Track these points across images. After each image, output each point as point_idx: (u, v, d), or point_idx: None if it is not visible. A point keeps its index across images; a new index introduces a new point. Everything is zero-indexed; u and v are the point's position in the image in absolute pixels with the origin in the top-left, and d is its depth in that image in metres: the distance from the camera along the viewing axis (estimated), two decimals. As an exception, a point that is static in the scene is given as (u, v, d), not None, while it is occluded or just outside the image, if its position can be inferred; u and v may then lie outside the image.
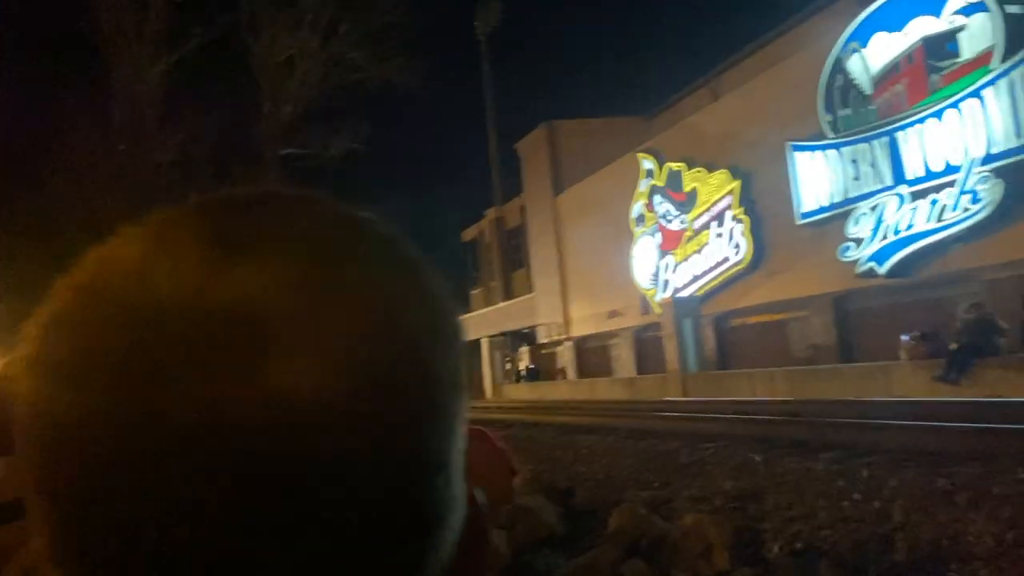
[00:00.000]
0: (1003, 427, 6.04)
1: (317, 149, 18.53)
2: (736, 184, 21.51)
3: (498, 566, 6.40)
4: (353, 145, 18.92)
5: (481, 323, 39.93)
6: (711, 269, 22.53)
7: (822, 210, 18.32)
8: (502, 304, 39.01)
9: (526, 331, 35.29)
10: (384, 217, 0.36)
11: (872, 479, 5.60)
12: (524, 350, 33.85)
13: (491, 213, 42.00)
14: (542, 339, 33.43)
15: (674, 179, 24.26)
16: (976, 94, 14.38)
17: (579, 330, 30.95)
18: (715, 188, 22.37)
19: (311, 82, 17.04)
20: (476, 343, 37.41)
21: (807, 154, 18.61)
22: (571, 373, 31.06)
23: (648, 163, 25.65)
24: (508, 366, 34.50)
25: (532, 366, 32.17)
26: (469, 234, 46.39)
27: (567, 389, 27.00)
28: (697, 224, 23.19)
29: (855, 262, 17.19)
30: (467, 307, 47.02)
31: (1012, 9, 13.87)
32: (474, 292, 46.39)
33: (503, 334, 36.78)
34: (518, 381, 32.08)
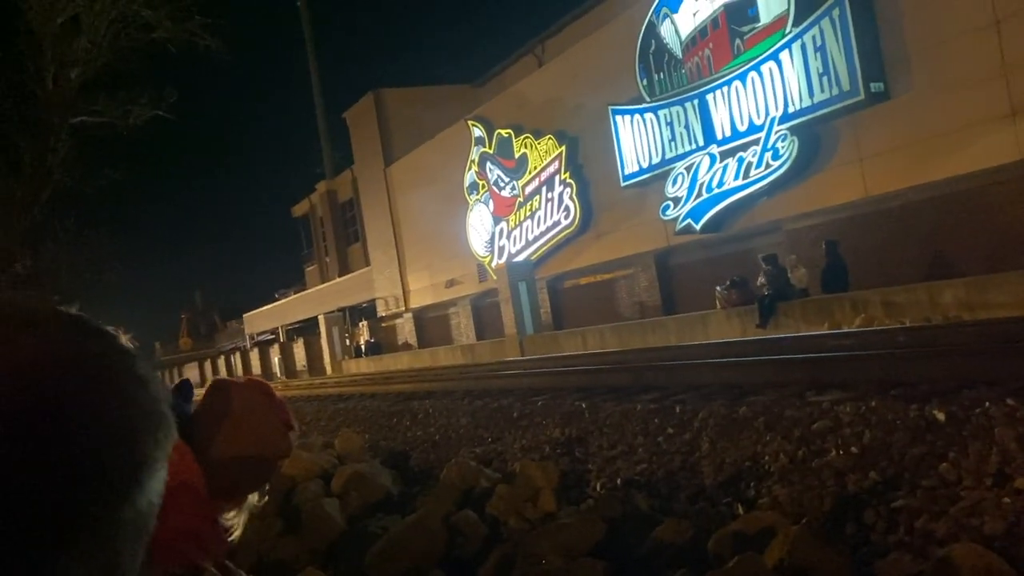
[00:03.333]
0: (795, 357, 6.53)
1: (115, 117, 16.90)
2: (563, 149, 21.99)
3: (331, 534, 6.19)
4: (157, 112, 17.42)
5: (317, 300, 38.77)
6: (543, 233, 23.00)
7: (642, 172, 19.10)
8: (338, 280, 38.03)
9: (365, 305, 34.65)
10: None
11: (684, 413, 5.87)
12: (363, 324, 33.23)
13: (322, 186, 40.65)
14: (381, 312, 32.96)
15: (504, 146, 24.46)
16: (774, 57, 15.39)
17: (418, 301, 30.77)
18: (543, 154, 22.77)
19: (101, 43, 15.43)
20: (314, 320, 36.32)
21: (626, 118, 19.29)
22: (413, 344, 30.89)
23: (478, 131, 25.68)
24: (348, 342, 33.77)
25: (372, 340, 31.67)
26: (300, 209, 44.73)
27: (409, 360, 26.81)
28: (528, 190, 23.54)
29: (674, 220, 18.09)
30: (302, 284, 45.52)
31: (801, -24, 14.92)
32: (308, 269, 44.91)
33: (341, 310, 35.92)
34: (359, 356, 31.50)
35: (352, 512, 6.39)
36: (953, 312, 10.25)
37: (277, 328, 45.87)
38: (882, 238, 14.36)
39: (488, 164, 25.30)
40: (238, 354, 48.46)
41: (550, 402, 7.81)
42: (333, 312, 35.47)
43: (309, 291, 41.96)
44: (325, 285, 39.56)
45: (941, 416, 4.13)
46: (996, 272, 11.16)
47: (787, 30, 15.10)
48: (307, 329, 39.17)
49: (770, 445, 4.77)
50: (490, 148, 25.15)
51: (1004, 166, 12.26)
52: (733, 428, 5.25)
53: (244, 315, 52.04)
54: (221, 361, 50.90)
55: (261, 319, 48.77)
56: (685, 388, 6.80)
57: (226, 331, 63.74)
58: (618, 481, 5.22)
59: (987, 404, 4.06)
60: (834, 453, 4.30)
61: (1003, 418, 3.86)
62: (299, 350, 38.32)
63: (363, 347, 31.63)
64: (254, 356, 44.97)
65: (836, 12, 14.15)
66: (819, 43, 14.53)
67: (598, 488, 5.27)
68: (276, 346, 42.41)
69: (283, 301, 46.48)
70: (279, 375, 38.73)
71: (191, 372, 58.26)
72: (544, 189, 22.85)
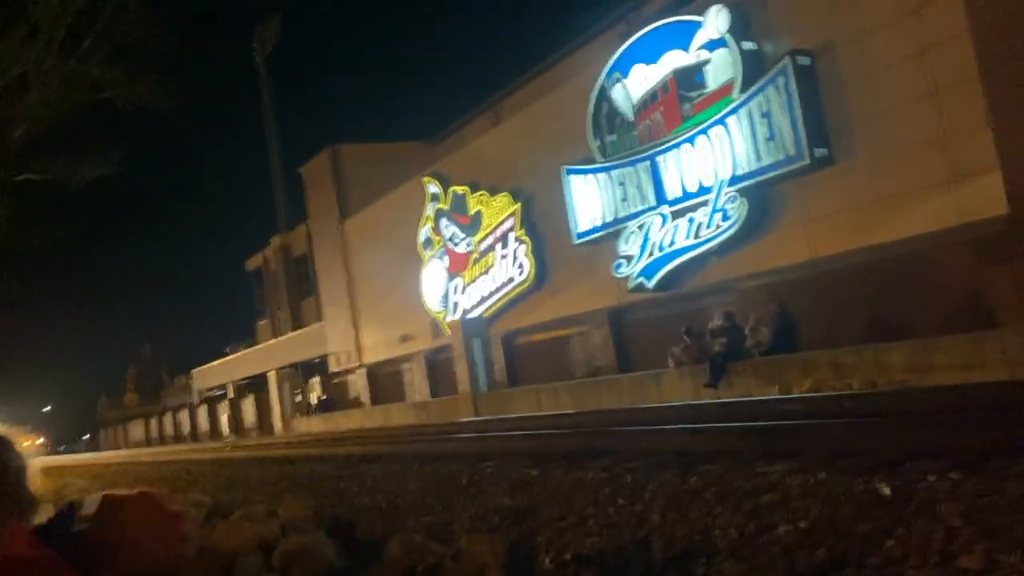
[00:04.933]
0: (747, 425, 6.51)
1: (60, 175, 16.45)
2: (518, 206, 22.18)
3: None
4: (104, 170, 17.01)
5: (268, 355, 37.99)
6: (498, 290, 23.00)
7: (595, 230, 19.31)
8: (291, 334, 37.40)
9: (317, 361, 34.05)
10: None
11: (635, 483, 5.78)
12: (315, 381, 32.60)
13: (276, 241, 40.29)
14: (333, 368, 32.41)
15: (459, 202, 24.59)
16: (722, 122, 15.83)
17: (371, 357, 30.36)
18: (498, 211, 22.93)
19: (49, 101, 15.10)
20: (264, 376, 35.54)
21: (580, 177, 19.58)
22: (365, 401, 30.35)
23: (433, 187, 25.82)
24: (299, 398, 33.05)
25: (324, 397, 31.05)
26: (254, 263, 44.16)
27: (360, 417, 26.29)
28: (483, 246, 23.61)
29: (627, 278, 18.25)
30: (254, 339, 44.60)
31: (747, 46, 15.48)
32: (260, 323, 44.13)
33: (293, 365, 35.24)
34: (310, 413, 30.80)
35: (292, 588, 6.10)
36: (899, 375, 10.42)
37: (226, 384, 44.72)
38: (830, 299, 14.64)
39: (443, 220, 25.37)
40: (185, 411, 47.04)
41: (500, 468, 7.65)
42: (285, 368, 34.80)
43: (260, 346, 41.15)
44: (277, 340, 38.87)
45: (887, 490, 4.12)
46: (940, 334, 11.41)
47: (734, 96, 15.57)
48: (258, 385, 38.29)
49: (720, 518, 4.69)
50: (445, 204, 25.26)
51: (945, 231, 12.66)
52: (684, 499, 5.17)
53: (193, 370, 50.69)
54: (168, 419, 49.33)
55: (210, 375, 47.55)
56: (637, 455, 6.72)
57: (174, 387, 61.90)
58: (567, 556, 5.07)
59: (931, 478, 4.06)
60: (783, 528, 4.24)
61: (947, 492, 3.85)
62: (248, 407, 37.40)
63: (315, 404, 30.98)
64: (202, 413, 43.72)
65: (781, 80, 14.66)
66: (765, 109, 15.00)
67: (547, 563, 5.12)
68: (225, 403, 41.32)
69: (233, 356, 45.43)
70: (227, 434, 37.63)
71: (136, 430, 56.28)
72: (499, 246, 22.94)
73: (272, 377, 33.75)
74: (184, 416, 46.55)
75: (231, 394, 43.07)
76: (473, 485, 7.38)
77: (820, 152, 14.35)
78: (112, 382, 76.23)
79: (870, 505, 4.07)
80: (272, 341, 39.38)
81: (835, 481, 4.48)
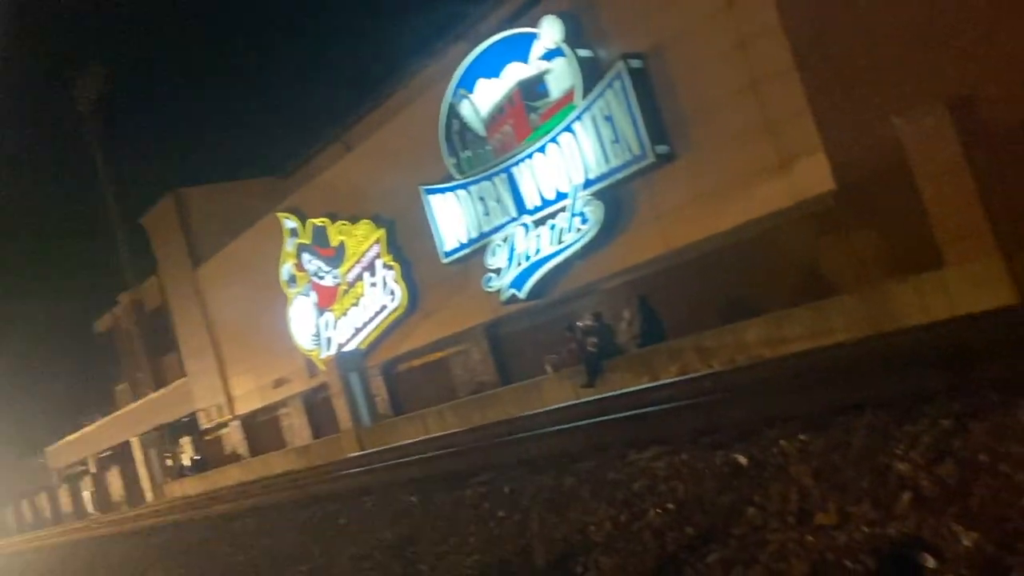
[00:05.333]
0: (618, 417, 6.59)
1: None
2: (381, 232, 21.82)
3: None
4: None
5: (130, 421, 35.52)
6: (371, 319, 22.52)
7: (462, 247, 19.27)
8: (153, 395, 35.13)
9: (186, 420, 32.14)
10: None
11: (514, 493, 5.70)
12: (186, 441, 30.75)
13: (125, 298, 37.83)
14: (205, 424, 30.68)
15: (320, 235, 23.94)
16: (569, 128, 16.20)
17: (245, 406, 28.96)
18: (362, 239, 22.49)
19: None
20: (126, 445, 33.18)
21: (440, 196, 19.51)
22: (243, 453, 28.90)
23: (290, 222, 25.01)
24: (170, 462, 31.05)
25: (197, 457, 29.30)
26: (103, 324, 41.28)
27: (239, 472, 24.99)
28: (350, 276, 23.08)
29: (499, 291, 18.30)
30: (113, 406, 41.57)
31: (583, 53, 15.93)
32: (118, 388, 41.21)
33: (159, 428, 33.09)
34: (182, 476, 28.97)
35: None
36: (756, 350, 10.93)
37: (87, 458, 41.39)
38: (688, 287, 15.22)
39: (305, 255, 24.63)
40: (44, 493, 43.21)
41: (380, 501, 7.39)
42: (150, 432, 32.61)
43: (120, 412, 38.39)
44: (137, 403, 36.38)
45: (744, 460, 4.22)
46: (791, 307, 12.07)
47: (577, 103, 15.98)
48: (123, 455, 35.69)
49: (596, 513, 4.68)
50: (306, 239, 24.53)
51: (782, 210, 13.44)
52: (561, 501, 5.13)
53: (46, 449, 46.60)
54: (26, 505, 45.13)
55: (67, 451, 43.86)
56: (516, 464, 6.65)
57: (26, 470, 56.64)
58: (449, 579, 4.91)
59: (782, 442, 4.19)
60: (653, 512, 4.26)
61: (797, 454, 3.98)
62: (114, 480, 34.80)
63: (187, 466, 29.17)
64: (63, 493, 40.29)
65: (618, 84, 15.17)
66: (607, 113, 15.47)
67: (429, 590, 4.93)
68: (87, 479, 38.23)
69: (91, 427, 42.14)
70: (93, 511, 34.82)
71: (-11, 522, 51.15)
72: (367, 274, 22.49)
73: (135, 444, 31.53)
74: (42, 499, 42.72)
75: (93, 468, 39.93)
76: (353, 523, 7.09)
77: (662, 149, 14.93)
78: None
79: (730, 476, 4.15)
80: (133, 405, 36.85)
81: (697, 458, 4.56)
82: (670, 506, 4.20)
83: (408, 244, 21.29)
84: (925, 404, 4.09)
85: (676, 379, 9.48)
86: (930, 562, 2.85)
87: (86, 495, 36.47)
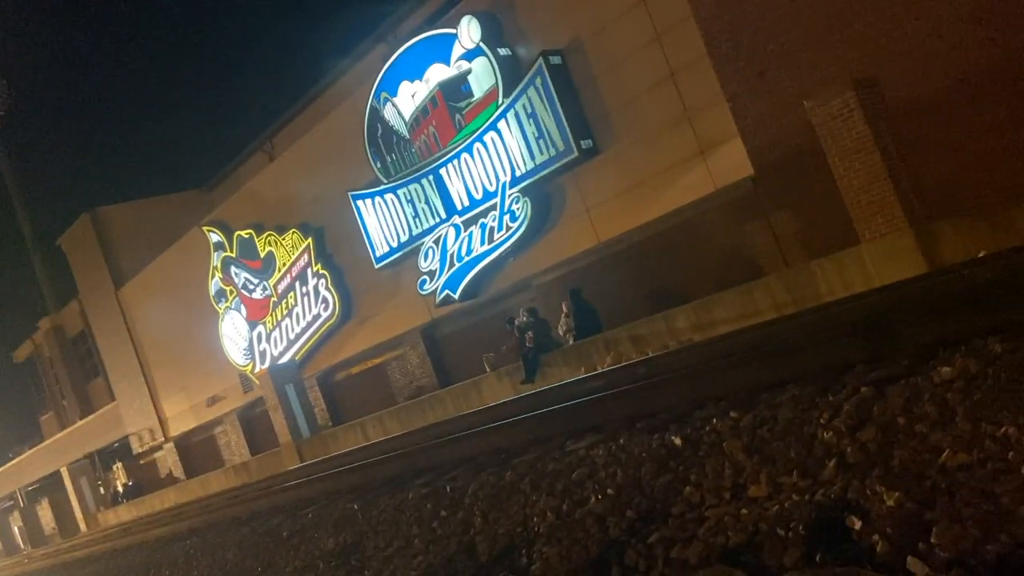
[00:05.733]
0: (555, 408, 6.64)
1: None
2: (310, 241, 21.48)
3: None
4: None
5: (59, 450, 34.08)
6: (305, 329, 22.14)
7: (393, 251, 19.12)
8: (80, 423, 33.76)
9: (117, 445, 31.00)
10: None
11: (455, 492, 5.68)
12: (118, 467, 29.65)
13: (45, 323, 36.26)
14: (137, 449, 29.65)
15: (246, 247, 23.41)
16: (493, 127, 16.23)
17: (178, 427, 28.11)
18: (290, 248, 22.09)
19: None
20: (57, 475, 31.82)
21: (368, 201, 19.31)
22: (179, 475, 28.04)
23: (215, 235, 24.38)
24: (102, 490, 29.91)
25: (130, 482, 28.29)
26: (23, 352, 39.48)
27: (176, 494, 24.23)
28: (281, 288, 22.64)
29: (433, 293, 18.22)
30: (39, 438, 39.80)
31: (503, 51, 15.99)
32: (44, 418, 39.51)
33: (88, 456, 31.83)
34: (117, 503, 27.94)
35: None
36: (687, 335, 11.16)
37: (15, 492, 39.54)
38: (620, 278, 15.45)
39: (232, 268, 24.04)
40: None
41: (322, 511, 7.26)
42: (79, 461, 31.34)
43: (47, 442, 36.79)
44: (65, 432, 34.93)
45: (678, 441, 4.30)
46: (718, 292, 12.37)
47: (500, 102, 16.02)
48: (53, 486, 34.20)
49: (537, 505, 4.70)
50: (232, 251, 23.95)
51: (705, 197, 13.76)
52: (502, 496, 5.14)
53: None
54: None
55: (-7, 486, 41.84)
56: (456, 463, 6.63)
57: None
58: (395, 583, 4.87)
59: (715, 421, 4.29)
60: (594, 499, 4.30)
61: (728, 431, 4.08)
62: (45, 512, 33.36)
63: (121, 493, 28.14)
64: (-10, 531, 38.43)
65: (539, 81, 15.27)
66: (530, 110, 15.56)
67: (375, 596, 4.88)
68: (16, 513, 36.51)
69: (17, 460, 40.26)
70: (23, 546, 33.29)
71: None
72: (298, 284, 22.10)
73: (65, 474, 30.25)
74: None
75: (22, 503, 38.17)
76: (295, 535, 6.95)
77: (586, 143, 15.11)
78: None
79: (666, 458, 4.23)
80: (60, 434, 35.35)
81: (634, 443, 4.63)
82: (610, 491, 4.25)
83: (339, 251, 21.01)
84: (845, 374, 4.25)
85: (609, 368, 9.61)
86: (857, 524, 2.95)
87: (16, 529, 34.80)
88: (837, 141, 10.02)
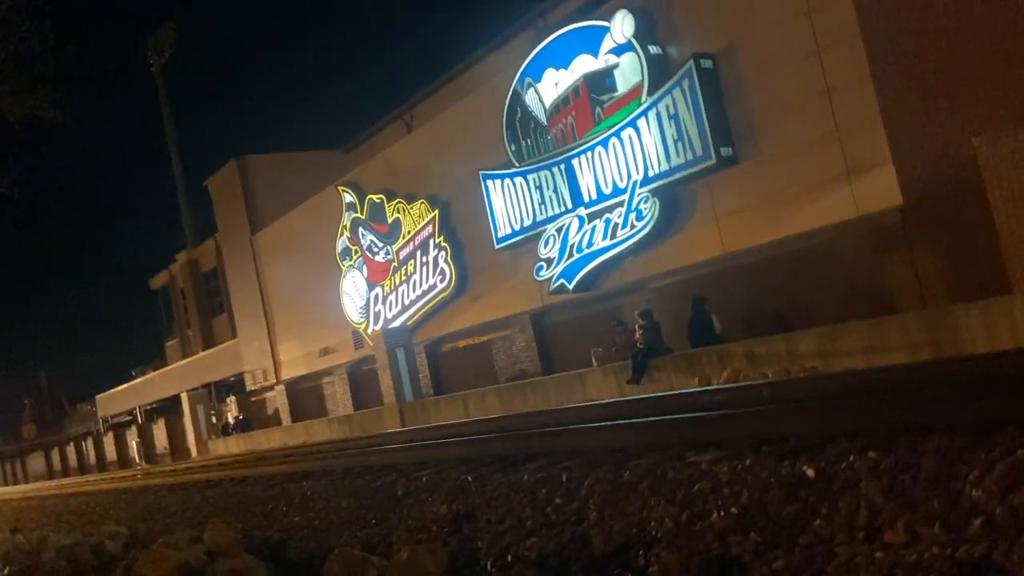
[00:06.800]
0: (674, 417, 6.69)
1: None
2: (436, 213, 22.11)
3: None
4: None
5: (179, 376, 36.64)
6: (419, 298, 22.87)
7: (515, 234, 19.45)
8: (202, 354, 36.14)
9: (232, 380, 33.03)
10: None
11: (571, 481, 5.85)
12: (231, 400, 31.60)
13: (183, 256, 38.89)
14: (250, 386, 31.49)
15: (376, 211, 24.34)
16: (632, 124, 16.22)
17: (290, 372, 29.66)
18: (417, 218, 22.81)
19: None
20: (175, 399, 34.21)
21: (497, 182, 19.69)
22: (285, 418, 29.62)
23: (349, 196, 25.46)
24: (215, 420, 31.97)
25: (241, 416, 30.12)
26: (159, 281, 42.50)
27: (281, 435, 25.63)
28: (403, 254, 23.45)
29: (548, 280, 18.46)
30: (162, 361, 42.89)
31: (653, 50, 15.91)
32: (169, 343, 42.49)
33: (205, 386, 34.06)
34: (227, 434, 29.82)
35: (224, 615, 5.91)
36: (809, 362, 10.91)
37: (135, 409, 42.83)
38: (741, 292, 15.19)
39: (360, 229, 25.06)
40: (90, 440, 44.81)
41: (435, 476, 7.60)
42: (197, 389, 33.61)
43: (170, 367, 39.62)
44: (187, 360, 37.50)
45: (811, 472, 4.31)
46: (845, 321, 12.01)
47: (643, 99, 15.98)
48: (168, 409, 36.85)
49: (655, 510, 4.81)
50: (362, 213, 24.95)
51: (845, 221, 13.33)
52: (619, 494, 5.27)
53: (97, 397, 48.30)
54: (71, 448, 46.83)
55: (116, 400, 45.41)
56: (570, 454, 6.79)
57: (76, 415, 58.81)
58: (508, 558, 5.09)
59: (851, 458, 4.27)
60: (716, 515, 4.38)
61: (867, 471, 4.06)
62: (160, 432, 35.95)
63: (232, 425, 30.02)
64: (108, 441, 41.74)
65: (686, 83, 15.13)
66: (672, 111, 15.45)
67: (489, 567, 5.13)
68: (133, 429, 39.57)
69: (140, 380, 43.55)
70: (138, 461, 36.04)
71: (36, 463, 53.22)
72: (419, 253, 22.83)
73: (184, 399, 32.51)
74: (89, 445, 44.31)
75: (140, 419, 41.28)
76: (409, 496, 7.31)
77: (725, 151, 14.88)
78: (7, 414, 71.65)
79: (796, 487, 4.25)
80: (183, 361, 37.96)
81: (761, 466, 4.66)
82: (734, 510, 4.31)
83: (462, 227, 21.54)
84: (997, 433, 4.14)
85: (731, 385, 9.53)
86: (998, 587, 2.94)
87: (133, 445, 37.72)
88: (1003, 183, 9.51)
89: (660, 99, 15.65)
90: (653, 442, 6.16)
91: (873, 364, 9.71)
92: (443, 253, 21.98)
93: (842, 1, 12.84)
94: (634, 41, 16.03)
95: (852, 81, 12.91)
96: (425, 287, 22.63)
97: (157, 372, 41.24)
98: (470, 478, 7.02)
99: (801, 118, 13.77)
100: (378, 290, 24.42)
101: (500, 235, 19.83)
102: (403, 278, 23.45)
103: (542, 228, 18.59)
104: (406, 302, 23.30)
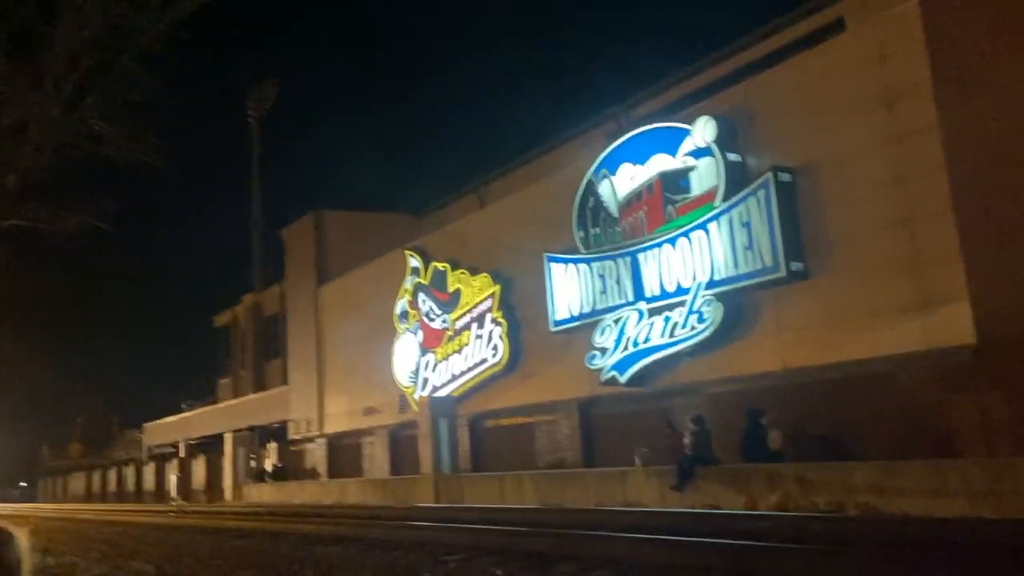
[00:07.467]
0: (718, 542, 6.47)
1: (47, 223, 16.36)
2: (497, 288, 22.33)
3: None
4: (93, 222, 16.96)
5: (226, 415, 37.17)
6: (469, 369, 22.91)
7: (572, 319, 19.44)
8: (252, 396, 36.70)
9: (276, 426, 33.34)
10: None
11: (604, 594, 5.69)
12: (272, 447, 31.80)
13: (248, 299, 40.00)
14: (293, 435, 31.72)
15: (439, 278, 24.72)
16: (703, 227, 16.23)
17: (333, 426, 29.81)
18: (477, 290, 23.07)
19: (46, 150, 15.11)
20: (219, 437, 34.65)
21: (561, 266, 19.84)
22: (322, 472, 29.63)
23: (415, 261, 25.97)
24: (253, 464, 32.18)
25: (280, 464, 30.24)
26: (222, 319, 43.68)
27: (316, 491, 25.59)
28: (459, 324, 23.64)
29: (600, 370, 18.29)
30: (213, 398, 43.67)
31: (732, 157, 16.03)
32: (222, 382, 43.32)
33: (251, 428, 34.45)
34: (263, 480, 29.92)
35: None
36: (863, 496, 10.46)
37: (179, 442, 43.47)
38: (797, 412, 14.76)
39: (421, 295, 25.43)
40: (132, 467, 45.47)
41: (464, 564, 7.47)
42: (241, 431, 34.00)
43: (219, 405, 40.29)
44: (237, 400, 38.10)
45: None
46: (900, 457, 11.53)
47: (716, 204, 16.02)
48: (211, 447, 37.28)
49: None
50: (425, 279, 25.37)
51: (913, 353, 12.94)
52: (651, 617, 5.09)
53: (145, 424, 49.27)
54: (112, 473, 47.51)
55: (162, 431, 46.23)
56: (604, 562, 6.62)
57: (123, 440, 59.96)
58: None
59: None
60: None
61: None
62: (199, 468, 36.30)
63: (269, 471, 30.13)
64: (149, 471, 42.28)
65: (762, 194, 15.14)
66: (745, 219, 15.43)
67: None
68: (175, 462, 40.04)
69: (189, 413, 44.31)
70: (173, 495, 36.34)
71: (77, 483, 54.11)
72: (475, 325, 22.98)
73: (228, 439, 32.89)
74: (130, 472, 44.93)
75: (182, 453, 41.84)
76: (435, 582, 7.20)
77: (796, 266, 14.72)
78: (58, 430, 73.52)
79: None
80: (233, 401, 38.59)
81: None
82: (772, 658, 4.11)
83: (520, 305, 21.67)
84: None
85: (784, 513, 9.19)
86: None
87: (171, 478, 38.13)
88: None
89: (734, 206, 15.67)
90: (694, 564, 5.96)
91: (930, 508, 9.26)
92: (499, 328, 22.08)
93: (929, 132, 12.80)
94: (714, 146, 16.19)
95: (933, 212, 12.72)
96: (477, 359, 22.68)
97: (206, 408, 41.97)
98: (499, 572, 6.88)
99: (877, 243, 13.58)
100: (430, 356, 24.58)
101: (557, 318, 19.85)
102: (456, 348, 23.58)
103: (600, 317, 18.55)
104: (456, 372, 23.35)
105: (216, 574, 9.54)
